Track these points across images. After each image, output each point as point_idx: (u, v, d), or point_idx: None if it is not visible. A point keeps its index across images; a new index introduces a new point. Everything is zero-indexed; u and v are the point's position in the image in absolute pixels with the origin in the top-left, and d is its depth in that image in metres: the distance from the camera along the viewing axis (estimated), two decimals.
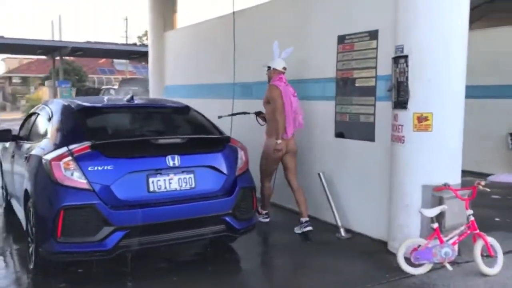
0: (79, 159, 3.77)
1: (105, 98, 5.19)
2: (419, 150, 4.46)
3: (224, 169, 4.30)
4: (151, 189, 3.93)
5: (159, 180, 3.96)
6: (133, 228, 3.79)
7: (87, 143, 3.85)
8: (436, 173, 4.41)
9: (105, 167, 3.78)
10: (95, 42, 23.10)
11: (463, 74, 4.51)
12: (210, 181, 4.23)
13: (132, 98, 4.76)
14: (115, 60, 45.52)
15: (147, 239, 3.89)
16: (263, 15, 7.26)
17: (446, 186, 4.30)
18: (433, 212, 4.19)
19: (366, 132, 5.26)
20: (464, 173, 4.83)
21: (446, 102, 4.41)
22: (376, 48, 5.11)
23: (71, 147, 3.86)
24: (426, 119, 4.38)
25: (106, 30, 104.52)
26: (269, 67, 5.70)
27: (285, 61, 5.66)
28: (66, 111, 4.48)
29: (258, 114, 6.02)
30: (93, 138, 3.96)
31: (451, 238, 4.24)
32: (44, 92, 32.65)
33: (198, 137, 4.51)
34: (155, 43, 10.87)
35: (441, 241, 4.17)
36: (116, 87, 28.43)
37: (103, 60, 45.72)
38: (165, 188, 3.99)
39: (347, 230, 5.35)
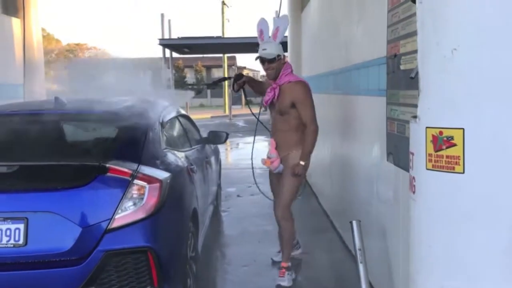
0: None
1: (45, 102, 3.97)
2: None
3: (80, 218, 2.58)
4: None
5: None
6: None
7: None
8: None
9: None
10: None
11: None
12: (53, 236, 2.59)
13: (57, 100, 3.43)
14: None
15: None
16: None
17: None
18: None
19: None
20: None
21: None
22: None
23: None
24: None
25: None
26: (278, 56, 3.86)
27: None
28: None
29: (237, 79, 3.99)
30: None
31: None
32: None
33: (45, 164, 2.80)
34: (292, 27, 9.21)
35: None
36: None
37: None
38: None
39: None
